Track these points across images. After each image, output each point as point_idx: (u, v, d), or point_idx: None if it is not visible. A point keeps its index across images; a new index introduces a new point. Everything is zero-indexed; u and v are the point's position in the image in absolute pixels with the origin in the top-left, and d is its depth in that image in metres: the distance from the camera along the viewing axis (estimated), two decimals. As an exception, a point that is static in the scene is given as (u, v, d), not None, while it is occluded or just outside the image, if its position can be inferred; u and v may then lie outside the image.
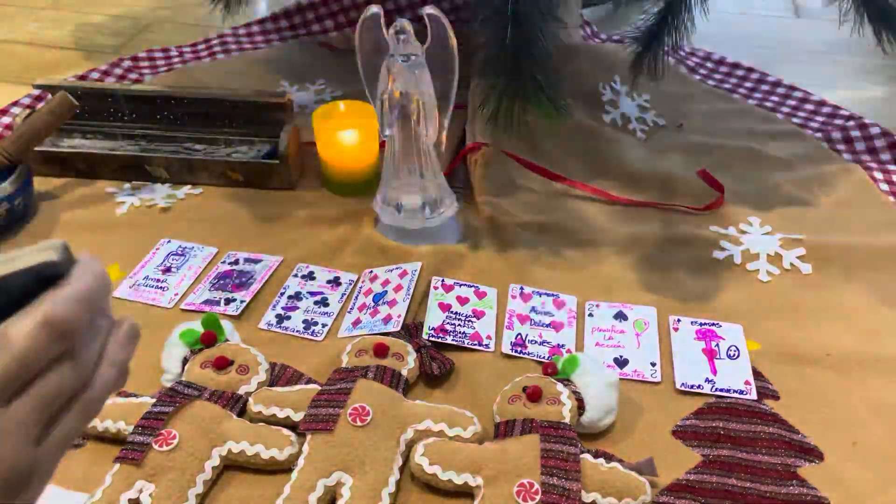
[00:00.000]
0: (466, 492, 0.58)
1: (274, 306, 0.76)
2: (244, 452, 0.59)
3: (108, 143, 0.97)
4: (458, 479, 0.57)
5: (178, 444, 0.58)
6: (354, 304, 0.77)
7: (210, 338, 0.67)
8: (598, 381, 0.63)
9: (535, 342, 0.72)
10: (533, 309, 0.76)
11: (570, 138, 1.01)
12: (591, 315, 0.76)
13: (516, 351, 0.71)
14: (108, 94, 0.96)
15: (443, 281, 0.78)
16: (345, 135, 0.89)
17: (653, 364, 0.70)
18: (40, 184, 0.92)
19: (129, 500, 0.55)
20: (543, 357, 0.71)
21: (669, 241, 0.86)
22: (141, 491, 0.55)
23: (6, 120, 1.04)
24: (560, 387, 0.63)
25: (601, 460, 0.58)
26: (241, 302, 0.76)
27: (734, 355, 0.71)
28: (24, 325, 0.30)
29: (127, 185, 0.94)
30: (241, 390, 0.64)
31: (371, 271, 0.81)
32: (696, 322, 0.74)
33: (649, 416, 0.65)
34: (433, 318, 0.73)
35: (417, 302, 0.76)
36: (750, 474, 0.60)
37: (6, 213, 0.83)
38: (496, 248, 0.84)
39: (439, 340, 0.71)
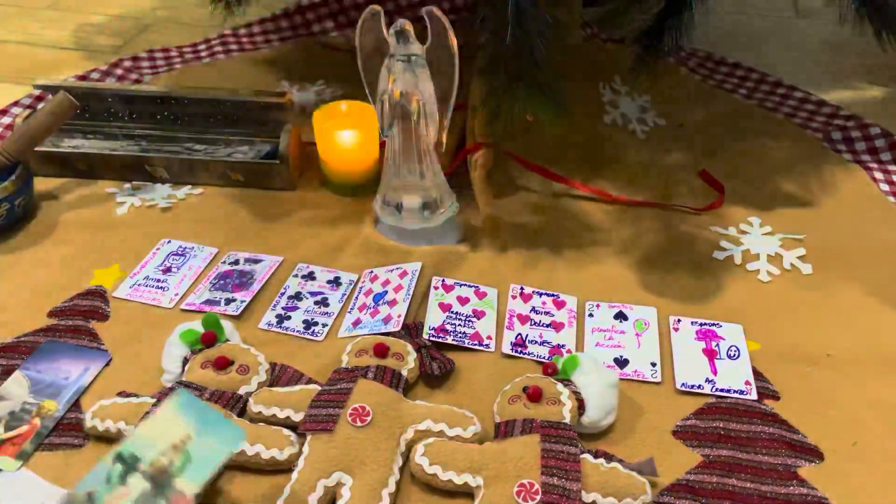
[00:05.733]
0: (466, 492, 0.58)
1: (274, 306, 0.76)
2: (244, 452, 0.59)
3: (108, 143, 0.97)
4: (459, 480, 0.57)
5: (179, 445, 0.58)
6: (354, 304, 0.77)
7: (210, 338, 0.67)
8: (598, 382, 0.63)
9: (536, 342, 0.72)
10: (533, 309, 0.76)
11: (570, 138, 1.01)
12: (591, 315, 0.76)
13: (516, 351, 0.71)
14: (109, 94, 0.96)
15: (443, 281, 0.78)
16: (345, 135, 0.89)
17: (653, 364, 0.70)
18: (40, 184, 0.92)
19: (130, 500, 0.55)
20: (543, 357, 0.71)
21: (669, 241, 0.86)
22: (141, 491, 0.56)
23: (6, 120, 1.04)
24: (560, 387, 0.63)
25: (601, 460, 0.58)
26: (242, 302, 0.76)
27: (734, 355, 0.71)
28: None
29: (127, 185, 0.94)
30: (242, 390, 0.64)
31: (371, 271, 0.81)
32: (696, 322, 0.74)
33: (649, 416, 0.65)
34: (433, 318, 0.73)
35: (417, 302, 0.76)
36: (750, 474, 0.60)
37: (6, 213, 0.83)
38: (496, 248, 0.84)
39: (439, 340, 0.71)
